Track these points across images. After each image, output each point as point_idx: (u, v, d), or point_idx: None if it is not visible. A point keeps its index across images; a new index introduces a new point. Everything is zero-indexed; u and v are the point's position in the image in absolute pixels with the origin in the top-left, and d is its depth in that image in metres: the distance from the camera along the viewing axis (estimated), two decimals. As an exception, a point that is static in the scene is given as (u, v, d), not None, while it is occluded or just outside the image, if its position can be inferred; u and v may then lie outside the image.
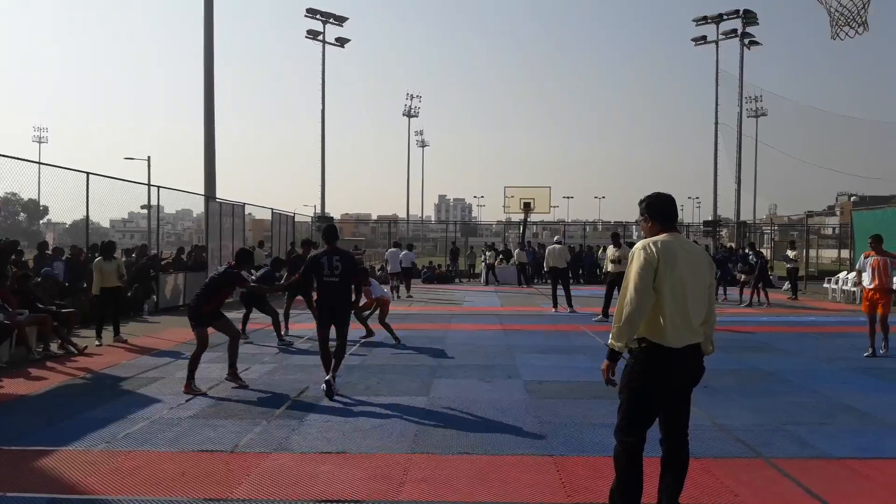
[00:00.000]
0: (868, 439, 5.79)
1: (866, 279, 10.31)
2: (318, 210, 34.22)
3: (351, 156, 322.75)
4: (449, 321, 14.35)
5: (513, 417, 6.47)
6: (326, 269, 7.42)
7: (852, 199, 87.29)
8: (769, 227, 51.49)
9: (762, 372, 8.58)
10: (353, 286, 7.73)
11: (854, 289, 19.02)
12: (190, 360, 7.74)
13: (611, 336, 3.89)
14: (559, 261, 15.85)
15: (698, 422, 6.35)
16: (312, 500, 4.40)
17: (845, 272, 21.47)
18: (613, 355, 3.95)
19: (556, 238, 17.69)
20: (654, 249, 3.81)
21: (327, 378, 7.40)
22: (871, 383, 8.01)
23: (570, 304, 15.92)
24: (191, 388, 7.51)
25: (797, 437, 5.75)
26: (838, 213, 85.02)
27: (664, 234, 3.91)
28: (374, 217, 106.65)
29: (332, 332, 7.52)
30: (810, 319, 15.32)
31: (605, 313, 14.33)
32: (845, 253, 36.97)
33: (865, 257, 10.46)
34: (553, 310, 16.07)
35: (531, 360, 9.64)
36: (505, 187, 27.12)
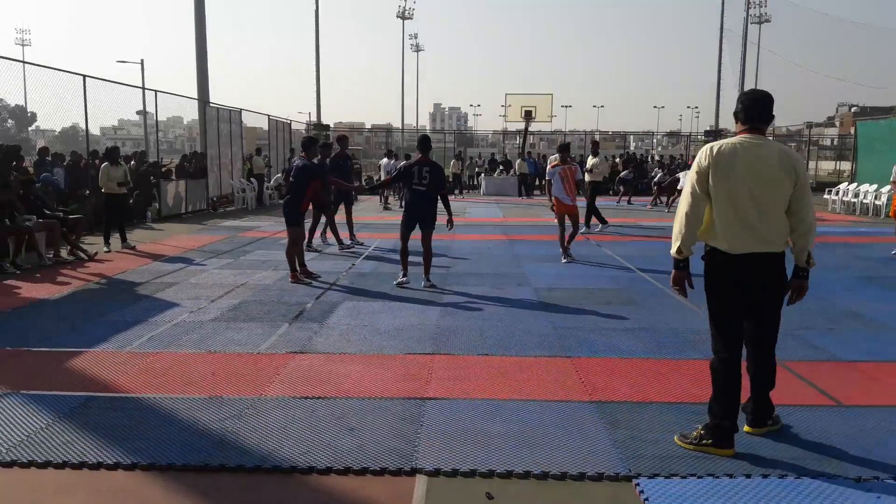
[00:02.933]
0: (875, 344, 5.96)
1: None
2: (314, 118, 33.65)
3: (344, 61, 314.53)
4: (453, 231, 14.39)
5: (527, 322, 6.62)
6: (416, 178, 7.98)
7: (853, 109, 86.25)
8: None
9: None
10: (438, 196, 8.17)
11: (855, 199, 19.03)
12: (291, 255, 8.56)
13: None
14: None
15: (707, 326, 6.51)
16: (345, 397, 4.55)
17: (846, 184, 21.49)
18: (676, 262, 3.93)
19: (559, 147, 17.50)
20: (707, 154, 3.76)
21: (405, 276, 8.28)
22: (876, 292, 8.18)
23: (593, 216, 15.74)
24: (298, 278, 8.49)
25: (807, 342, 5.91)
26: (838, 123, 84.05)
27: (739, 137, 3.78)
28: (368, 126, 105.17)
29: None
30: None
31: (588, 223, 14.27)
32: (844, 165, 36.97)
33: None
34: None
35: (538, 268, 9.76)
36: (506, 94, 26.63)
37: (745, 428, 4.04)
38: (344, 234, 11.76)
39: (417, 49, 68.95)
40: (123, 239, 11.48)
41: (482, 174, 29.82)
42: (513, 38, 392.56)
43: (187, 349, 5.64)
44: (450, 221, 8.26)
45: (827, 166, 41.35)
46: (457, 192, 26.50)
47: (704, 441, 3.81)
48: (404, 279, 8.25)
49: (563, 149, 11.05)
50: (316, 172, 8.66)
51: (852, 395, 4.67)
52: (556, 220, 10.75)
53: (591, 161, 14.95)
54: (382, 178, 21.74)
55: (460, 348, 5.71)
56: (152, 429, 4.02)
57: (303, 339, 5.97)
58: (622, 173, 24.91)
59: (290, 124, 26.05)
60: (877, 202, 19.22)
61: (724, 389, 3.82)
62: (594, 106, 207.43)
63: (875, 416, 4.32)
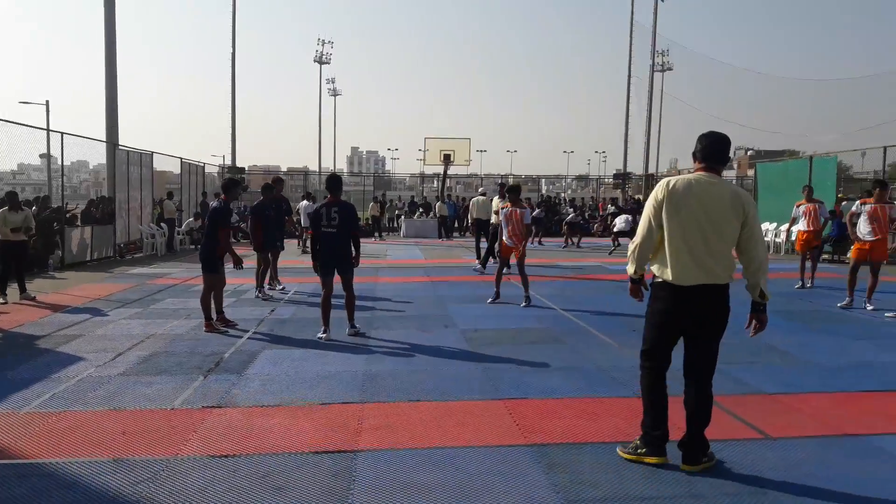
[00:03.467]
0: (792, 376, 6.15)
1: (801, 224, 12.03)
2: (228, 160, 32.93)
3: (260, 104, 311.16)
4: (376, 274, 14.22)
5: (456, 366, 6.49)
6: (325, 220, 7.59)
7: (749, 152, 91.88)
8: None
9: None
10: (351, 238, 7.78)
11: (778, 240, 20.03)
12: (206, 302, 8.13)
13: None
14: (483, 213, 15.88)
15: (633, 363, 6.55)
16: (269, 453, 4.28)
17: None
18: (632, 279, 4.24)
19: (480, 190, 17.72)
20: (663, 188, 3.96)
21: (325, 332, 7.65)
22: (785, 325, 8.51)
23: (490, 257, 15.88)
24: (214, 327, 8.10)
25: (731, 376, 6.02)
26: (736, 165, 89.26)
27: (695, 174, 3.98)
28: (284, 169, 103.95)
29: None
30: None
31: (484, 263, 14.46)
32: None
33: (798, 206, 12.17)
34: (477, 262, 16.09)
35: (463, 309, 9.68)
36: (425, 138, 26.84)
37: (682, 466, 4.05)
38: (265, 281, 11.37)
39: (335, 93, 69.06)
40: (22, 289, 10.70)
41: (402, 216, 29.81)
42: (430, 85, 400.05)
43: (94, 407, 5.21)
44: (355, 258, 7.75)
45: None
46: (377, 234, 26.33)
47: (640, 451, 4.12)
48: (324, 335, 7.59)
49: (514, 191, 10.65)
50: (226, 216, 8.24)
51: (778, 427, 4.75)
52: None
53: (500, 203, 15.10)
54: (301, 221, 21.37)
55: (389, 395, 5.52)
56: (57, 499, 3.64)
57: (220, 391, 5.63)
58: (535, 212, 25.38)
59: (203, 167, 25.32)
60: (777, 240, 20.27)
61: (652, 402, 4.13)
62: (507, 151, 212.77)
63: (803, 447, 4.40)
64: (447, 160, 26.77)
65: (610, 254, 19.07)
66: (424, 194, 43.89)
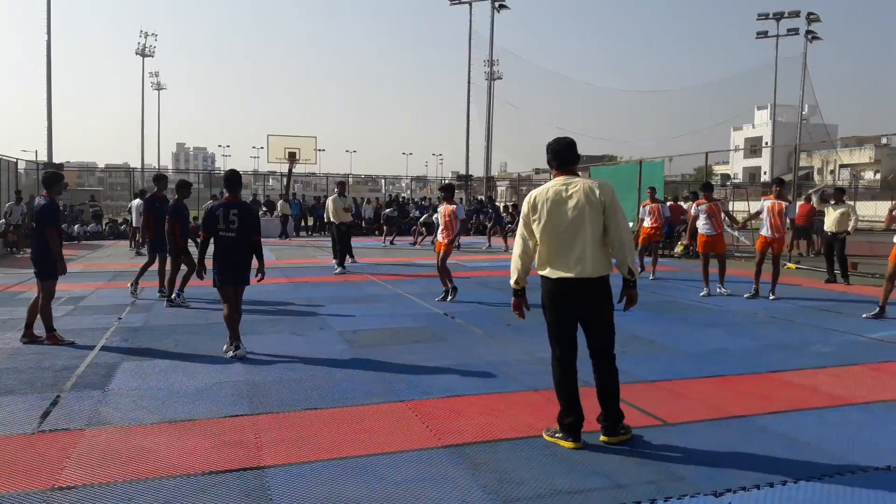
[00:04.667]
0: (665, 363, 6.52)
1: (647, 221, 12.64)
2: (42, 156, 29.76)
3: (75, 97, 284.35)
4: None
5: (344, 368, 6.23)
6: (223, 222, 6.59)
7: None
8: (504, 182, 55.86)
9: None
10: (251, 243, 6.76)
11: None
12: (46, 311, 7.18)
13: None
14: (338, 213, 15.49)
15: (519, 357, 6.69)
16: (165, 477, 3.81)
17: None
18: (514, 291, 4.48)
19: (335, 190, 17.29)
20: (527, 202, 4.38)
21: (236, 345, 6.64)
22: (641, 315, 9.04)
23: (348, 256, 15.59)
24: (58, 338, 7.17)
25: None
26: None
27: (552, 181, 4.36)
28: (102, 165, 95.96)
29: None
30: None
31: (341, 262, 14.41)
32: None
33: (644, 206, 12.79)
34: (333, 261, 15.65)
35: (334, 310, 9.37)
36: (268, 135, 25.85)
37: (602, 438, 4.34)
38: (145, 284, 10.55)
39: (159, 87, 64.71)
40: None
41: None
42: (264, 81, 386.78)
43: (-72, 439, 4.39)
44: (261, 271, 6.86)
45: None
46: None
47: (558, 435, 4.36)
48: (236, 352, 6.57)
49: (448, 189, 10.93)
50: (54, 214, 7.22)
51: (673, 413, 4.99)
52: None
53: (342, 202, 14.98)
54: (133, 221, 19.75)
55: (283, 405, 5.16)
56: None
57: (86, 410, 4.98)
58: (386, 211, 25.40)
59: (16, 163, 22.64)
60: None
61: (565, 392, 4.35)
62: (347, 150, 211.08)
63: (699, 431, 4.64)
64: (293, 158, 25.98)
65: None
66: (264, 192, 42.38)
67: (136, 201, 19.79)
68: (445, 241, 10.46)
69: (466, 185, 34.88)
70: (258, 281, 6.90)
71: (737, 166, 73.54)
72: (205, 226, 6.81)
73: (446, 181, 40.24)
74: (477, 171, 35.30)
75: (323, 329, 8.08)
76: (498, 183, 55.29)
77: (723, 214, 11.32)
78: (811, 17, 42.29)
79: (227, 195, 6.91)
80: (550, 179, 4.42)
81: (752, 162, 73.74)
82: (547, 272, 4.29)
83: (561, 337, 4.36)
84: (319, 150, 26.31)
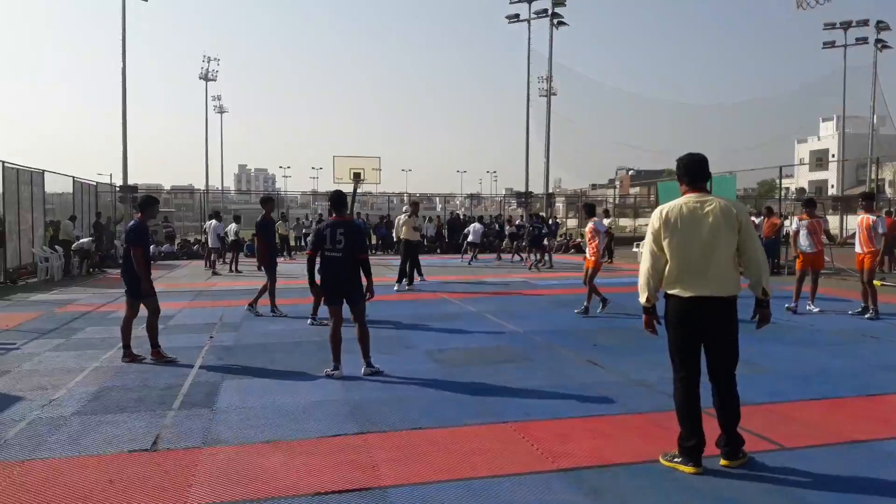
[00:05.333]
0: (766, 385, 6.29)
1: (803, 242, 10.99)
2: (120, 179, 30.90)
3: (142, 121, 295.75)
4: (302, 295, 13.65)
5: (439, 388, 6.25)
6: (329, 242, 6.69)
7: (630, 172, 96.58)
8: (563, 198, 55.51)
9: (632, 329, 9.10)
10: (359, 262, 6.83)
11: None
12: (153, 329, 7.52)
13: None
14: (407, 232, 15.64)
15: (614, 379, 6.58)
16: (289, 497, 3.88)
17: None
18: (645, 309, 4.40)
19: (404, 209, 17.51)
20: (658, 216, 4.32)
21: (336, 369, 6.71)
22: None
23: (417, 275, 15.61)
24: (162, 355, 7.47)
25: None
26: (618, 185, 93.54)
27: (685, 197, 4.31)
28: (168, 187, 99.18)
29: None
30: (633, 280, 16.50)
31: (400, 279, 14.52)
32: (640, 220, 41.52)
33: (800, 220, 11.15)
34: (397, 283, 15.58)
35: (415, 329, 9.43)
36: (334, 157, 26.20)
37: (722, 462, 4.28)
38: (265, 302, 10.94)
39: (221, 111, 66.69)
40: None
41: (310, 235, 29.01)
42: (322, 104, 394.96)
43: (60, 454, 4.58)
44: (369, 289, 6.91)
45: (625, 222, 45.58)
46: (285, 254, 25.48)
47: (676, 459, 4.28)
48: (335, 372, 6.68)
49: (590, 209, 11.72)
50: (142, 235, 7.43)
51: (788, 437, 4.83)
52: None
53: (415, 221, 15.20)
54: (209, 242, 20.33)
55: (389, 424, 5.20)
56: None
57: (199, 429, 5.12)
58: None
59: (96, 186, 23.63)
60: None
61: (687, 413, 4.26)
62: (402, 169, 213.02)
63: (820, 456, 4.48)
64: (357, 178, 26.34)
65: (531, 267, 19.53)
66: (319, 212, 43.03)
67: (213, 222, 20.41)
68: (592, 257, 10.86)
69: (526, 202, 34.70)
70: (369, 300, 6.95)
71: (802, 180, 71.39)
72: (312, 245, 6.90)
73: (501, 196, 40.27)
74: (533, 187, 35.00)
75: (409, 348, 8.13)
76: (556, 199, 55.10)
77: (822, 233, 11.01)
78: (881, 25, 40.91)
79: (334, 215, 6.97)
80: (681, 195, 4.35)
81: (819, 175, 71.47)
82: (678, 291, 4.22)
83: (687, 357, 4.28)
84: (376, 169, 26.46)
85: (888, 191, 53.80)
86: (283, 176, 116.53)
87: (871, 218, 10.36)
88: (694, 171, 4.34)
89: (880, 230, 10.37)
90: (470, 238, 23.60)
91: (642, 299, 4.35)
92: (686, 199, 4.28)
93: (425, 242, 28.27)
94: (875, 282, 14.51)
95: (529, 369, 7.02)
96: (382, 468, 4.30)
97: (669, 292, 4.27)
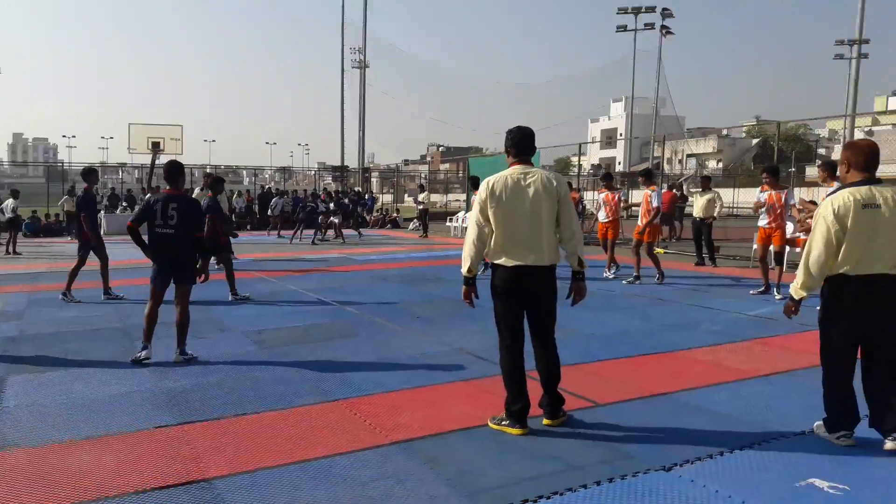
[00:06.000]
0: (576, 347, 6.69)
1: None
2: None
3: None
4: (92, 278, 12.44)
5: (262, 370, 5.97)
6: (159, 218, 6.07)
7: (440, 149, 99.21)
8: (377, 173, 55.71)
9: (451, 300, 9.35)
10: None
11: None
12: None
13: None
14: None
15: (439, 349, 6.70)
16: (102, 498, 3.50)
17: (463, 212, 24.51)
18: (466, 279, 4.46)
19: (200, 186, 16.55)
20: (484, 187, 4.37)
21: (146, 347, 6.15)
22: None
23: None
24: None
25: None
26: (429, 160, 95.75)
27: (510, 168, 4.42)
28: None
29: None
30: (448, 253, 17.01)
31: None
32: (451, 196, 42.83)
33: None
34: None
35: (228, 310, 8.94)
36: (130, 124, 24.08)
37: (545, 421, 4.50)
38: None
39: (-9, 69, 58.70)
40: None
41: (101, 211, 26.49)
42: (109, 69, 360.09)
43: None
44: (203, 270, 6.49)
45: (435, 198, 46.57)
46: (73, 233, 23.13)
47: (504, 422, 4.42)
48: (143, 353, 6.11)
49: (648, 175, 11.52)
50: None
51: (601, 394, 5.20)
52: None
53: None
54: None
55: (209, 411, 4.87)
56: None
57: (-18, 431, 4.46)
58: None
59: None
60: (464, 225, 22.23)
61: (514, 378, 4.41)
62: (205, 140, 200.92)
63: (631, 410, 4.88)
64: (156, 148, 24.42)
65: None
66: (112, 185, 39.58)
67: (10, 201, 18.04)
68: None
69: (342, 177, 34.37)
70: (202, 281, 6.51)
71: (594, 157, 77.56)
72: (136, 218, 6.27)
73: (312, 171, 39.47)
74: (348, 161, 34.85)
75: (224, 331, 7.69)
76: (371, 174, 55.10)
77: (615, 204, 11.99)
78: (665, 12, 45.05)
79: (167, 188, 6.36)
80: (506, 168, 4.45)
81: (608, 153, 78.11)
82: (503, 260, 4.33)
83: (513, 325, 4.42)
84: (175, 139, 24.66)
85: (666, 167, 60.05)
86: (68, 146, 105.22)
87: (648, 192, 11.29)
88: (521, 144, 4.45)
89: (655, 203, 11.23)
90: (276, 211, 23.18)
91: (464, 269, 4.42)
92: (511, 171, 4.39)
93: (233, 218, 26.99)
94: (658, 250, 16.13)
95: (355, 345, 6.95)
96: (206, 459, 4.02)
97: (496, 262, 4.39)
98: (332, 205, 21.99)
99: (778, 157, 28.66)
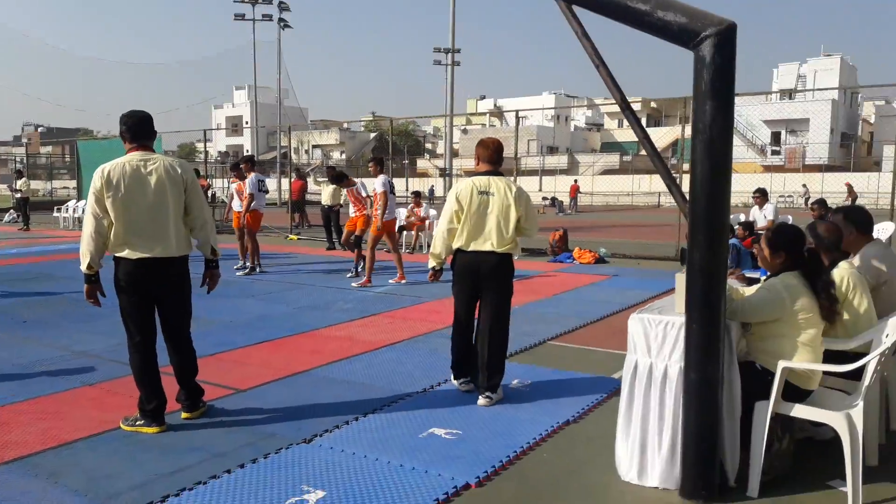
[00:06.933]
0: (215, 337, 6.61)
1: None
2: None
3: None
4: None
5: None
6: None
7: (40, 129, 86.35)
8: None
9: (67, 299, 8.41)
10: None
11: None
12: None
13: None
14: None
15: (56, 354, 6.00)
16: None
17: (74, 201, 21.88)
18: (87, 277, 4.12)
19: None
20: (99, 174, 4.04)
21: None
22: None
23: None
24: None
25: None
26: (25, 143, 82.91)
27: (128, 155, 4.13)
28: None
29: None
30: (60, 247, 15.08)
31: None
32: (57, 183, 37.65)
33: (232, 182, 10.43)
34: None
35: None
36: None
37: (184, 415, 4.38)
38: None
39: None
40: None
41: None
42: None
43: None
44: None
45: (38, 185, 40.61)
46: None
47: (139, 422, 4.19)
48: None
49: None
50: None
51: (243, 381, 5.21)
52: None
53: None
54: None
55: None
56: None
57: None
58: None
59: None
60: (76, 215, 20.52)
61: (146, 376, 4.18)
62: None
63: (272, 391, 5.00)
64: None
65: None
66: None
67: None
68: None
69: None
70: None
71: (221, 144, 75.55)
72: None
73: None
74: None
75: None
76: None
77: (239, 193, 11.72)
78: (282, 5, 45.49)
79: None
80: (125, 154, 4.14)
81: (235, 140, 76.74)
82: (126, 253, 4.05)
83: (142, 321, 4.16)
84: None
85: (293, 156, 61.30)
86: None
87: (241, 183, 11.04)
88: (138, 129, 4.18)
89: (249, 190, 10.88)
90: None
91: (84, 266, 4.07)
92: (129, 158, 4.09)
93: None
94: (291, 236, 16.60)
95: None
96: None
97: (117, 255, 4.08)
98: None
99: (392, 150, 31.36)
